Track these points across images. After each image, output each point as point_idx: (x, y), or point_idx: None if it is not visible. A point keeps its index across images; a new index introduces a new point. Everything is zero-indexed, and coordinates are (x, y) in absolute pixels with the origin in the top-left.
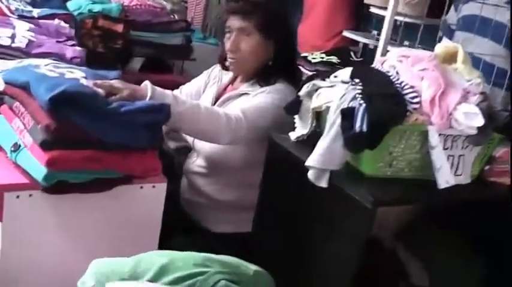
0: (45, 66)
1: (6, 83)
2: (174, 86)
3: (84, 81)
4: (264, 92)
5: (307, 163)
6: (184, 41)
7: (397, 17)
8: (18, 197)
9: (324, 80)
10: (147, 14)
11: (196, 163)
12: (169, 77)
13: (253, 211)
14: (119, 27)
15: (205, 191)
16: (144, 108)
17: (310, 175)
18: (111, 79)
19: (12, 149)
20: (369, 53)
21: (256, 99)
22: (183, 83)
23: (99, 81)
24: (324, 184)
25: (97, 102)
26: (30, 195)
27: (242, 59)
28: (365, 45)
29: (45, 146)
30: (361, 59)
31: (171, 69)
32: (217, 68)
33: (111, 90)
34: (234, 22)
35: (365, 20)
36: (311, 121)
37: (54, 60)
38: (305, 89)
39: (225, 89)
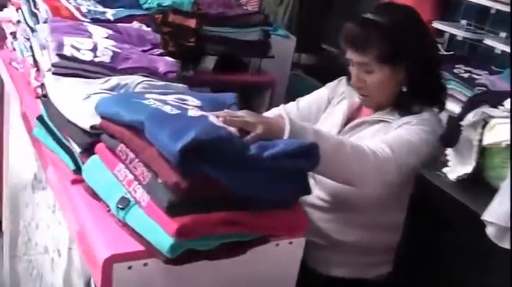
0: (145, 90)
1: (103, 117)
2: (251, 87)
3: (214, 120)
4: (409, 124)
5: (486, 218)
6: (262, 36)
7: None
8: (130, 268)
9: (495, 107)
10: (219, 5)
11: (314, 193)
12: (246, 77)
13: (374, 255)
14: (192, 23)
15: (320, 227)
16: (291, 153)
17: (490, 232)
18: (229, 105)
19: (120, 206)
20: (457, 45)
21: (401, 132)
22: (262, 84)
23: (227, 116)
24: (507, 244)
25: (235, 149)
26: (145, 264)
27: (371, 94)
28: (451, 36)
29: (173, 210)
30: (451, 52)
31: (246, 68)
32: (345, 81)
33: (244, 126)
34: (353, 55)
35: (452, 8)
36: (475, 158)
37: (144, 76)
38: (470, 118)
39: (357, 109)
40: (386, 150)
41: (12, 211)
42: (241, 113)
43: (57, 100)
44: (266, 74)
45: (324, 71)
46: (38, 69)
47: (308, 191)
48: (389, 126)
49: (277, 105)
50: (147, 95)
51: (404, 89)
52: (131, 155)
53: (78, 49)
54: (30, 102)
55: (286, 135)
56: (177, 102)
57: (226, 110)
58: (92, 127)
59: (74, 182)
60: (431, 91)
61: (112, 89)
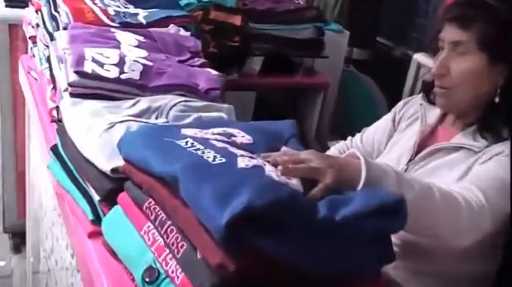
0: (181, 123)
1: (127, 160)
2: (301, 90)
3: (271, 173)
4: (501, 155)
5: None
6: (316, 33)
7: None
8: None
9: None
10: (267, 0)
11: None
12: (296, 80)
13: None
14: (236, 20)
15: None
16: (372, 211)
17: None
18: (287, 139)
19: (147, 279)
20: None
21: (491, 167)
22: (314, 87)
23: (288, 162)
24: None
25: (301, 214)
26: None
27: (453, 87)
28: None
29: None
30: None
31: (296, 69)
32: (416, 100)
33: (310, 175)
34: (448, 33)
35: None
36: None
37: (181, 95)
38: None
39: (432, 133)
40: (480, 197)
41: (33, 232)
42: (306, 154)
43: (73, 131)
44: (318, 75)
45: (379, 67)
46: (55, 87)
47: (392, 258)
48: (473, 157)
49: (330, 110)
50: (184, 131)
51: (498, 100)
52: (162, 215)
53: (101, 64)
54: (48, 124)
55: (362, 182)
56: (223, 140)
57: (284, 149)
58: (114, 171)
59: (91, 235)
60: None
61: (141, 114)
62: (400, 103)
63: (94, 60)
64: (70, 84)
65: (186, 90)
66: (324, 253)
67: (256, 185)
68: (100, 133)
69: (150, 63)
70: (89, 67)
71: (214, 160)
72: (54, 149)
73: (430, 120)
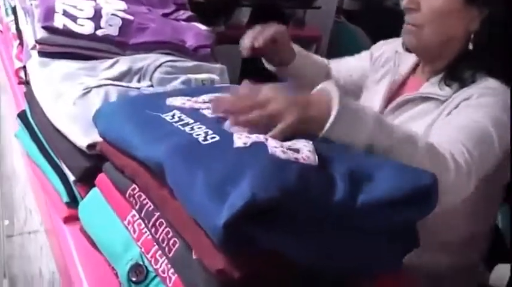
0: (168, 90)
1: (104, 138)
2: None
3: (277, 150)
4: (471, 99)
5: None
6: None
7: None
8: None
9: None
10: None
11: None
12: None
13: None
14: None
15: None
16: (403, 198)
17: None
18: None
19: (134, 279)
20: None
21: (463, 116)
22: (306, 40)
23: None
24: None
25: (313, 199)
26: None
27: (423, 25)
28: None
29: None
30: None
31: (286, 20)
32: (394, 46)
33: (267, 122)
34: None
35: None
36: None
37: (166, 54)
38: None
39: (403, 83)
40: (465, 155)
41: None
42: (265, 94)
43: (42, 96)
44: (310, 27)
45: (370, 18)
46: (22, 43)
47: (417, 244)
48: (441, 107)
49: None
50: (171, 101)
51: (471, 47)
52: (149, 204)
53: (74, 18)
54: (16, 86)
55: (330, 122)
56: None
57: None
58: (91, 147)
59: (67, 220)
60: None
61: (121, 76)
62: (379, 44)
63: (66, 14)
64: (38, 42)
65: (172, 48)
66: (340, 246)
67: (259, 170)
68: (74, 100)
69: (130, 17)
70: (59, 22)
71: (205, 139)
72: (22, 116)
73: (403, 69)
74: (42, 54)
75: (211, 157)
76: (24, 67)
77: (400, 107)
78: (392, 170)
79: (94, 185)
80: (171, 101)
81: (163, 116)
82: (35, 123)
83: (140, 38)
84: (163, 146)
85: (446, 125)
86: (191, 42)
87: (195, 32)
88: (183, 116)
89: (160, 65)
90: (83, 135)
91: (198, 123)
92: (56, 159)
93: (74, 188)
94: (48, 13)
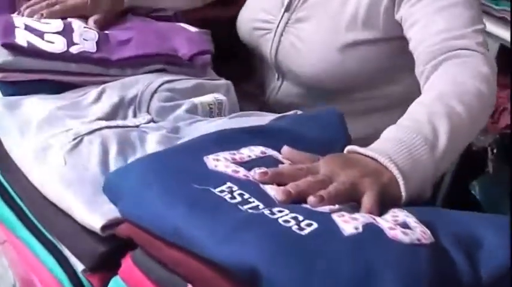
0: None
1: (133, 222)
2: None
3: (397, 232)
4: None
5: None
6: None
7: None
8: None
9: None
10: None
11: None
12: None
13: None
14: None
15: None
16: None
17: None
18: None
19: None
20: None
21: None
22: None
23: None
24: None
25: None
26: None
27: None
28: None
29: None
30: None
31: None
32: None
33: (350, 195)
34: None
35: None
36: None
37: (159, 71)
38: None
39: None
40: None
41: None
42: (324, 168)
43: (19, 156)
44: None
45: None
46: None
47: None
48: None
49: None
50: (214, 163)
51: None
52: None
53: (39, 33)
54: None
55: (402, 183)
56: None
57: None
58: (106, 227)
59: None
60: None
61: (113, 111)
62: None
63: (28, 28)
64: None
65: (163, 61)
66: None
67: (396, 269)
68: (63, 156)
69: (105, 32)
70: (22, 38)
71: (300, 227)
72: None
73: None
74: (4, 87)
75: (323, 254)
76: None
77: None
78: (491, 225)
79: (110, 272)
80: (215, 163)
81: (218, 192)
82: (11, 188)
83: (124, 52)
84: (250, 245)
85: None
86: (184, 50)
87: (186, 36)
88: (246, 195)
89: (156, 90)
90: (91, 212)
91: (277, 207)
92: (46, 233)
93: (82, 278)
94: (7, 27)
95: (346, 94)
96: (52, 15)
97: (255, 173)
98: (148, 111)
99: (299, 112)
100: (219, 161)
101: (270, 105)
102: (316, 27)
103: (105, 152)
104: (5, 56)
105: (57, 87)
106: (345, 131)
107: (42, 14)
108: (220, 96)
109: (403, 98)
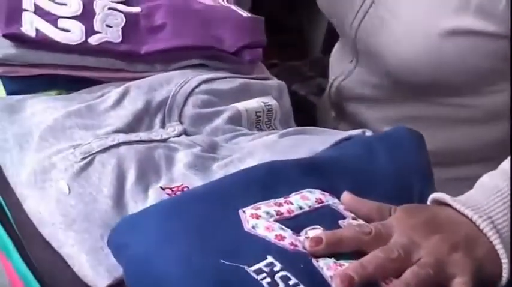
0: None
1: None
2: None
3: None
4: None
5: None
6: None
7: None
8: None
9: None
10: None
11: None
12: None
13: None
14: None
15: None
16: None
17: None
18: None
19: None
20: None
21: None
22: None
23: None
24: None
25: None
26: None
27: None
28: None
29: None
30: None
31: None
32: None
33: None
34: None
35: None
36: None
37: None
38: None
39: None
40: None
41: None
42: (398, 234)
43: (14, 176)
44: None
45: None
46: None
47: None
48: None
49: None
50: (251, 222)
51: None
52: None
53: (53, 18)
54: None
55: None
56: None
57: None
58: None
59: None
60: None
61: (136, 121)
62: None
63: (39, 11)
64: None
65: (203, 54)
66: None
67: None
68: (67, 182)
69: (137, 10)
70: (30, 26)
71: None
72: None
73: None
74: (8, 83)
75: None
76: None
77: None
78: None
79: None
80: (253, 222)
81: (254, 273)
82: (13, 220)
83: (155, 44)
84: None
85: None
86: (231, 41)
87: (235, 23)
88: (292, 280)
89: (192, 92)
90: (94, 265)
91: None
92: None
93: None
94: (12, 12)
95: (430, 94)
96: None
97: (306, 240)
98: (180, 120)
99: (368, 132)
100: (259, 219)
101: (332, 94)
102: (417, 3)
103: (120, 179)
104: (7, 47)
105: (69, 83)
106: (427, 162)
107: None
108: (270, 100)
109: (492, 114)
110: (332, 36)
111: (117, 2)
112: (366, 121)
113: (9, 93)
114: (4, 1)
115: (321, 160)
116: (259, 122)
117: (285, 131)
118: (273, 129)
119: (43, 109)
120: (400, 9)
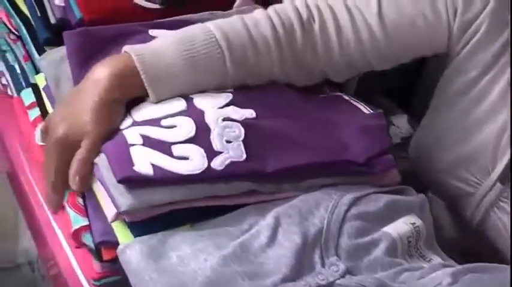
0: None
1: None
2: None
3: None
4: None
5: None
6: None
7: None
8: None
9: None
10: None
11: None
12: None
13: None
14: None
15: None
16: None
17: None
18: None
19: None
20: None
21: None
22: None
23: None
24: None
25: None
26: None
27: None
28: None
29: None
30: None
31: None
32: None
33: None
34: None
35: None
36: None
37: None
38: None
39: None
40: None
41: None
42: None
43: None
44: None
45: None
46: None
47: None
48: None
49: None
50: None
51: None
52: None
53: (166, 147)
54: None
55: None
56: None
57: None
58: None
59: None
60: None
61: (299, 264)
62: None
63: (147, 141)
64: (123, 213)
65: (335, 172)
66: None
67: None
68: None
69: (251, 113)
70: (143, 163)
71: None
72: None
73: None
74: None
75: None
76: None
77: None
78: None
79: None
80: None
81: None
82: None
83: (282, 160)
84: None
85: None
86: (358, 147)
87: (358, 124)
88: None
89: (344, 219)
90: None
91: None
92: None
93: None
94: (119, 151)
95: None
96: None
97: None
98: (337, 254)
99: None
100: None
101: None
102: None
103: None
104: (126, 195)
105: (197, 210)
106: None
107: None
108: (416, 220)
109: None
110: None
111: (225, 105)
112: None
113: (136, 236)
114: (107, 142)
115: None
116: (410, 246)
117: (455, 269)
118: (421, 254)
119: (193, 253)
120: None
